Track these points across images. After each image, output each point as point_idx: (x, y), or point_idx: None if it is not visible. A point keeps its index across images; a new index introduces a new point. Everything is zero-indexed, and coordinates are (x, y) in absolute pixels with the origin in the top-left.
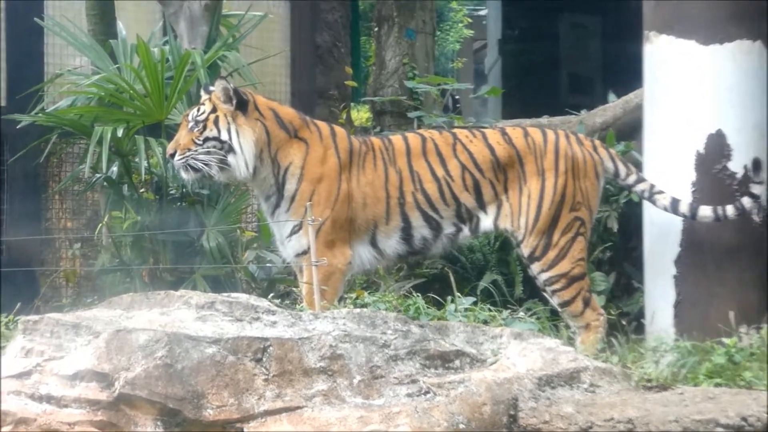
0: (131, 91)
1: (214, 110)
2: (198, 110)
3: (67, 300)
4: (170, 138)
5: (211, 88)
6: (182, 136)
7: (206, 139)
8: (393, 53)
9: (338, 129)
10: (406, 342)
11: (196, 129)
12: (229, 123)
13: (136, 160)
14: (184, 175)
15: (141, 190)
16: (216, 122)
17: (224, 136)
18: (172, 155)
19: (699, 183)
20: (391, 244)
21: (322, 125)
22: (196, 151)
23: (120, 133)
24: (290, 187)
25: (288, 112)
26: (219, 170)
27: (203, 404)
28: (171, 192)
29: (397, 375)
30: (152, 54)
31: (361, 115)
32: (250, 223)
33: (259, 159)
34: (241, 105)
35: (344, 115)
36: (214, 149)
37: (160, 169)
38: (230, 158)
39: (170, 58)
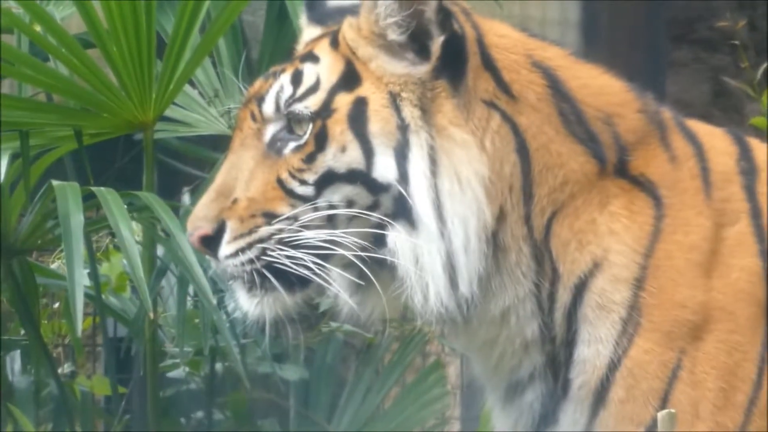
0: (31, 28)
1: (351, 77)
2: (294, 78)
3: None
4: (171, 182)
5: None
6: (245, 172)
7: (327, 178)
8: None
9: (762, 150)
10: None
11: (291, 145)
12: (406, 121)
13: (57, 265)
14: (244, 298)
15: (67, 370)
16: (359, 120)
17: (389, 172)
18: (207, 240)
19: None
20: None
21: (711, 138)
22: (294, 218)
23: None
24: (594, 350)
25: (600, 90)
26: (358, 281)
27: None
28: (180, 369)
29: None
30: None
31: None
32: None
33: (491, 243)
34: (453, 59)
35: None
36: (345, 208)
37: (133, 295)
38: (400, 241)
39: None
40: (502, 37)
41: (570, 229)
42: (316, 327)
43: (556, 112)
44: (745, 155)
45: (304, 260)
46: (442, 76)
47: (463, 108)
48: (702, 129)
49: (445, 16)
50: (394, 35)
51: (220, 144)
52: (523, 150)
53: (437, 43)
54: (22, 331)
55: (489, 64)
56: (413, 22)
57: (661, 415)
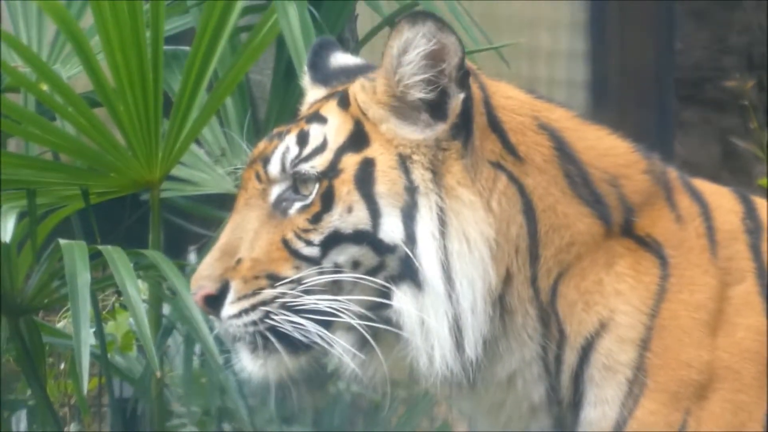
0: (37, 87)
1: (359, 137)
2: (299, 139)
3: None
4: (178, 240)
5: (344, 59)
6: (250, 232)
7: (333, 239)
8: None
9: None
10: None
11: (296, 206)
12: (415, 184)
13: (63, 324)
14: (248, 359)
15: (73, 430)
16: (366, 181)
17: (395, 233)
18: (211, 300)
19: None
20: None
21: (716, 197)
22: (298, 281)
23: (7, 230)
24: (600, 412)
25: (606, 151)
26: (360, 349)
27: None
28: None
29: None
30: None
31: None
32: None
33: (498, 306)
34: (463, 119)
35: None
36: (351, 269)
37: (139, 354)
38: (405, 302)
39: None
40: (509, 98)
41: (576, 289)
42: (324, 387)
43: (562, 174)
44: (751, 214)
45: (306, 327)
46: (458, 136)
47: (470, 168)
48: (707, 188)
49: (465, 74)
50: (420, 93)
51: (226, 203)
52: (529, 211)
53: (457, 100)
54: (29, 391)
55: (496, 126)
56: (439, 78)
57: None
